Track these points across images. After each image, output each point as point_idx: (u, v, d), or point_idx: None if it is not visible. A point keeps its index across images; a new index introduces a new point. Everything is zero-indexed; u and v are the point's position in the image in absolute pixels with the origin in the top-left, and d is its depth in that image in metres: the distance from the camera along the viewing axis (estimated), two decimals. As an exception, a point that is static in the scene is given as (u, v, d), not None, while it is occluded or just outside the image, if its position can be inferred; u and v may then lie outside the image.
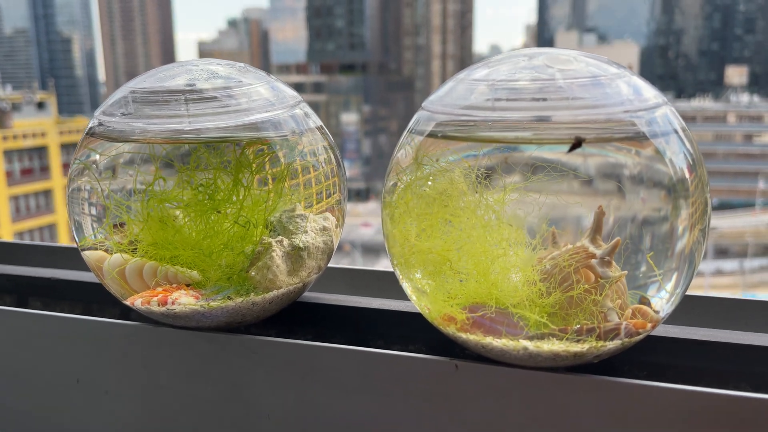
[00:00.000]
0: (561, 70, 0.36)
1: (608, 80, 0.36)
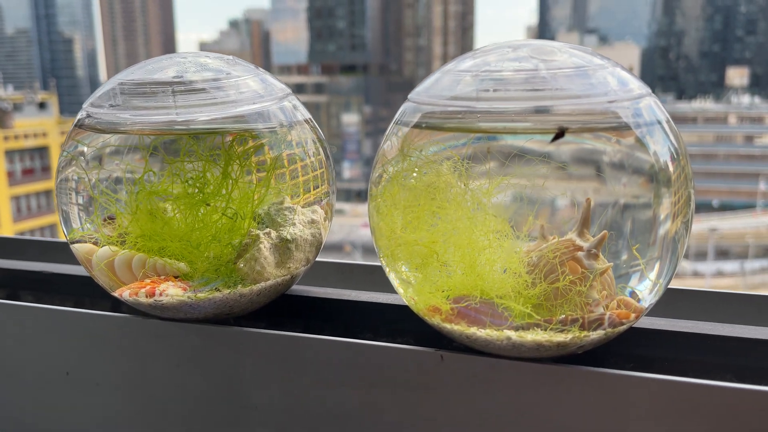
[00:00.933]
0: (545, 60, 0.36)
1: (592, 71, 0.36)
